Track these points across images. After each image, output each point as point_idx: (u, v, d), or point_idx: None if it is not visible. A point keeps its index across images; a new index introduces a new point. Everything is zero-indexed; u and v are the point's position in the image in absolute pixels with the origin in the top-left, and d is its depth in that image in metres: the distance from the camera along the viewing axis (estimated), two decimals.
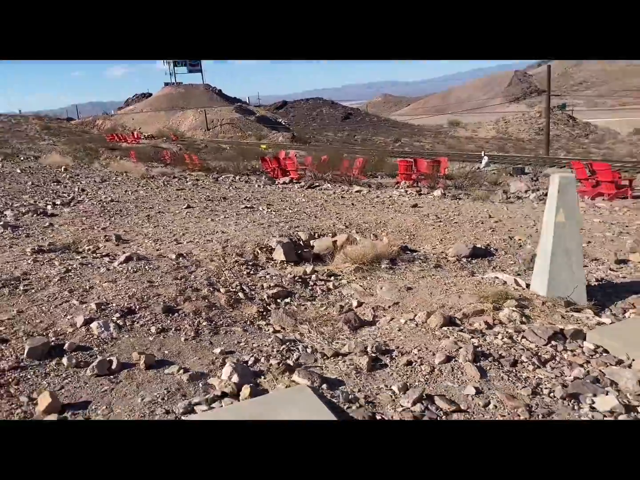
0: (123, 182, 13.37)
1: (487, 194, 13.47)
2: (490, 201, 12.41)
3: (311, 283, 4.95)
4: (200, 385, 2.99)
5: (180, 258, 5.28)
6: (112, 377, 3.07)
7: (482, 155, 29.05)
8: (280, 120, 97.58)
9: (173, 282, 4.51)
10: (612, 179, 13.88)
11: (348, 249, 5.95)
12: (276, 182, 17.00)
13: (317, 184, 16.16)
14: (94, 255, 5.60)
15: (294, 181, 17.80)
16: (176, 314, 3.93)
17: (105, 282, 4.45)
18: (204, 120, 73.82)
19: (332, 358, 3.37)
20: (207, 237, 6.37)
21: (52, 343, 3.38)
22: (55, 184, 12.60)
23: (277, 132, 67.73)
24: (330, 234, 6.79)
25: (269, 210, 8.65)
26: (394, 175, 22.33)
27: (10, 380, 3.00)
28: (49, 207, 8.69)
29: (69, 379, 3.05)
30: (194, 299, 4.20)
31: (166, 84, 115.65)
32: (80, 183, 12.99)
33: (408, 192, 14.05)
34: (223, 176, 17.99)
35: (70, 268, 4.87)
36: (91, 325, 3.63)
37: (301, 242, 6.42)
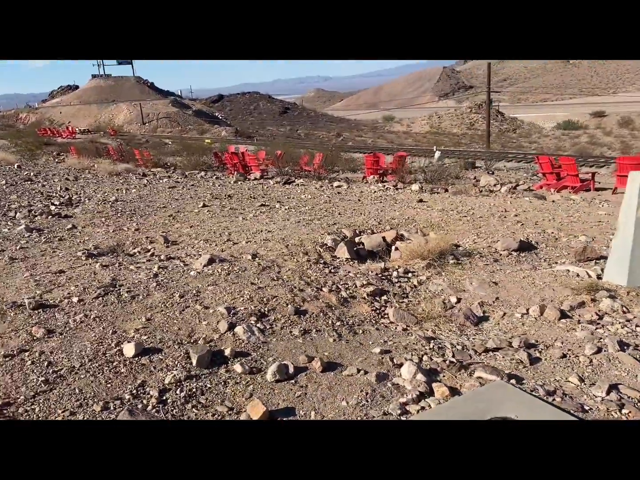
0: (102, 181, 12.79)
1: (465, 188, 13.99)
2: (471, 195, 12.85)
3: (394, 280, 5.02)
4: (390, 385, 3.01)
5: (256, 259, 5.19)
6: (293, 381, 3.03)
7: (434, 149, 30.01)
8: (217, 114, 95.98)
9: (273, 283, 4.44)
10: (576, 172, 14.77)
11: (402, 245, 6.06)
12: (247, 178, 16.79)
13: (292, 179, 16.14)
14: (149, 257, 5.39)
15: (264, 177, 17.69)
16: (307, 315, 3.89)
17: (209, 285, 4.32)
18: (140, 114, 71.35)
19: (484, 354, 3.47)
20: (257, 236, 6.27)
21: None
22: (28, 182, 11.87)
23: (219, 126, 66.57)
24: (369, 231, 6.86)
25: (287, 208, 8.58)
26: (354, 170, 22.68)
27: (194, 390, 2.89)
28: (53, 207, 8.22)
29: (252, 385, 2.98)
30: (308, 299, 4.18)
31: (94, 76, 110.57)
32: (53, 181, 12.31)
33: (386, 187, 14.31)
34: (187, 172, 17.53)
35: (155, 272, 4.67)
36: (235, 330, 3.53)
37: (349, 240, 6.46)
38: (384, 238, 6.41)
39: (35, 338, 3.29)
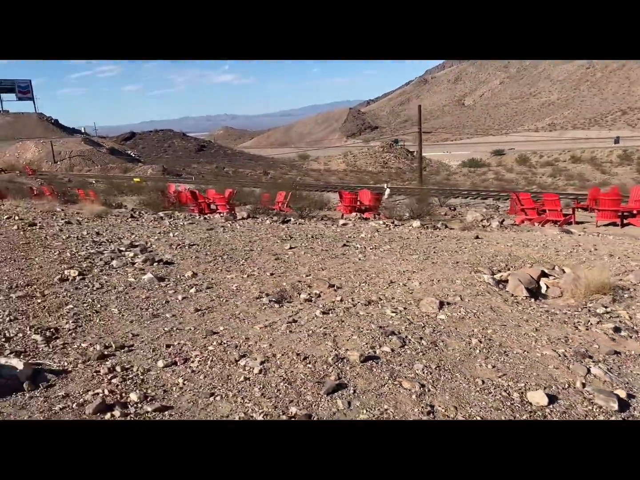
0: (113, 225, 11.63)
1: (468, 224, 14.30)
2: (486, 230, 13.14)
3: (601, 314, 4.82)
4: None
5: (446, 305, 4.79)
6: None
7: (385, 187, 30.74)
8: (129, 152, 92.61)
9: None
10: (559, 207, 15.67)
11: (567, 280, 5.81)
12: (236, 218, 16.13)
13: (288, 218, 15.69)
14: (329, 304, 4.83)
15: (250, 216, 17.12)
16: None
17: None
18: (50, 152, 67.10)
19: None
20: (410, 276, 5.78)
21: None
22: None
23: (144, 164, 64.07)
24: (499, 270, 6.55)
25: (374, 247, 7.98)
26: (320, 207, 22.53)
27: None
28: (128, 253, 7.29)
29: None
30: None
31: None
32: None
33: (386, 224, 14.27)
34: (159, 213, 16.46)
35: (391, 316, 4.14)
36: None
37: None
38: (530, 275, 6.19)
39: None
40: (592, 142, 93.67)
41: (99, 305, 4.84)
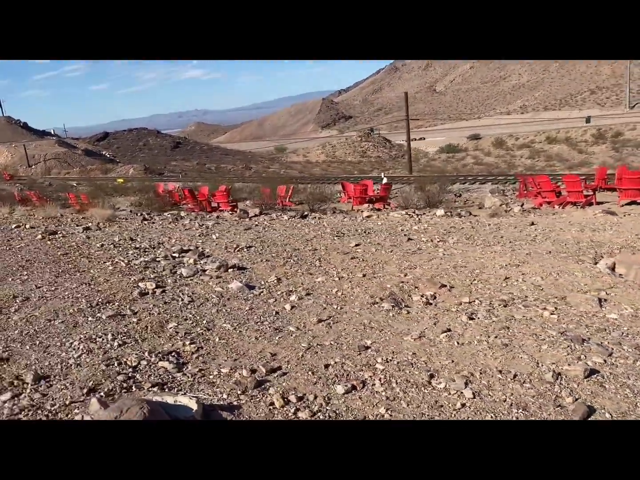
0: (140, 229, 11.03)
1: (496, 211, 14.02)
2: (506, 217, 12.84)
3: None
4: None
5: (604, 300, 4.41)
6: None
7: (382, 176, 30.42)
8: (104, 152, 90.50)
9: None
10: (581, 189, 15.52)
11: None
12: (249, 216, 15.60)
13: (305, 213, 15.21)
14: (455, 306, 4.45)
15: (262, 213, 16.58)
16: None
17: None
18: (24, 156, 65.04)
19: None
20: (530, 273, 5.36)
21: None
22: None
23: (124, 164, 62.50)
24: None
25: (451, 242, 7.49)
26: (322, 200, 22.05)
27: None
28: (187, 260, 6.79)
29: None
30: None
31: None
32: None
33: (409, 214, 13.96)
34: (165, 214, 15.84)
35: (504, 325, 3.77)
36: None
37: None
38: None
39: None
40: (565, 122, 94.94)
41: (204, 322, 4.38)
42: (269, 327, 4.19)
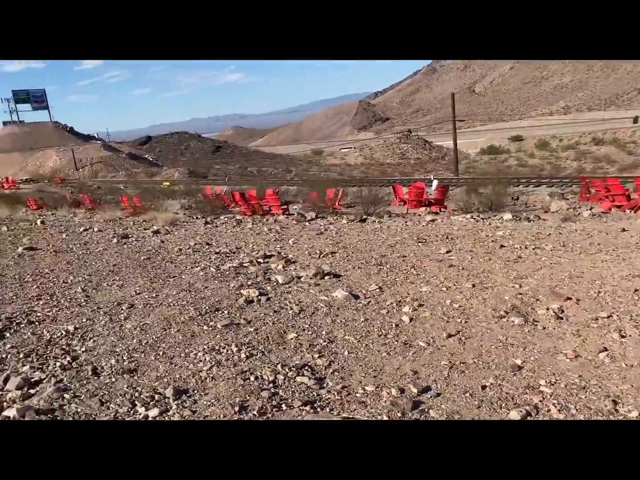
0: (208, 233, 11.03)
1: (568, 215, 13.48)
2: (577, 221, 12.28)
3: None
4: None
5: None
6: None
7: (432, 178, 29.92)
8: (146, 156, 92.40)
9: None
10: None
11: None
12: (306, 220, 15.44)
13: (364, 217, 14.97)
14: (588, 321, 4.14)
15: (318, 217, 16.40)
16: None
17: None
18: (72, 160, 66.94)
19: None
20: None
21: None
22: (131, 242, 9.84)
23: (169, 168, 63.66)
24: None
25: (545, 249, 7.10)
26: (375, 202, 21.72)
27: None
28: (275, 266, 6.66)
29: None
30: None
31: (5, 123, 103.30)
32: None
33: (474, 218, 13.55)
34: (222, 217, 15.83)
35: None
36: None
37: None
38: None
39: None
40: (610, 123, 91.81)
41: (323, 333, 4.22)
42: (395, 340, 3.99)
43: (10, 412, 3.02)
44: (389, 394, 3.15)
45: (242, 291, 5.36)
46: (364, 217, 14.83)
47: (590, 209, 15.11)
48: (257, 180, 46.30)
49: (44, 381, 3.51)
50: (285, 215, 17.40)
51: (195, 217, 16.43)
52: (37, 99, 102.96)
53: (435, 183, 27.32)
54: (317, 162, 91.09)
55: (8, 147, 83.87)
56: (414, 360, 3.62)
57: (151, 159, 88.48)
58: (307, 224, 13.69)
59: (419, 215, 16.28)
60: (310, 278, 5.85)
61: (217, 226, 13.10)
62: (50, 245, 9.01)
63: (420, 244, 7.74)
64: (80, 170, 65.96)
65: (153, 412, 3.02)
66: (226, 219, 15.61)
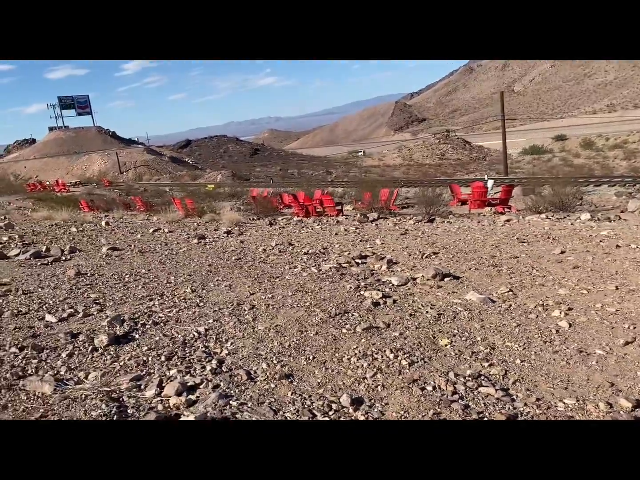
0: (279, 233, 10.88)
1: None
2: None
3: None
4: None
5: None
6: None
7: (486, 178, 29.22)
8: (187, 159, 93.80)
9: None
10: None
11: None
12: (369, 220, 15.11)
13: (432, 217, 14.55)
14: None
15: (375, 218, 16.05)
16: None
17: None
18: (116, 163, 68.42)
19: None
20: None
21: None
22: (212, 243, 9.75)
23: (212, 170, 64.41)
24: None
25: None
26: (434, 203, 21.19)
27: None
28: (378, 266, 6.39)
29: None
30: None
31: (51, 129, 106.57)
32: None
33: (547, 217, 13.00)
34: (291, 219, 15.66)
35: None
36: None
37: None
38: None
39: None
40: None
41: (478, 339, 3.91)
42: (566, 348, 3.64)
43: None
44: (596, 408, 2.81)
45: (363, 293, 5.09)
46: (433, 217, 14.44)
47: None
48: (299, 182, 46.27)
49: (201, 386, 3.30)
50: (344, 217, 17.16)
51: (253, 219, 16.37)
52: (81, 105, 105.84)
53: (490, 183, 26.63)
54: (355, 164, 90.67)
55: (54, 151, 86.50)
56: (602, 370, 3.27)
57: (191, 162, 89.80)
58: (371, 224, 13.43)
59: (484, 215, 15.80)
60: (428, 280, 5.53)
61: (283, 227, 12.95)
62: (133, 246, 8.96)
63: (524, 244, 7.33)
64: (125, 173, 67.31)
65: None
66: (284, 220, 15.48)
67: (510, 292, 4.99)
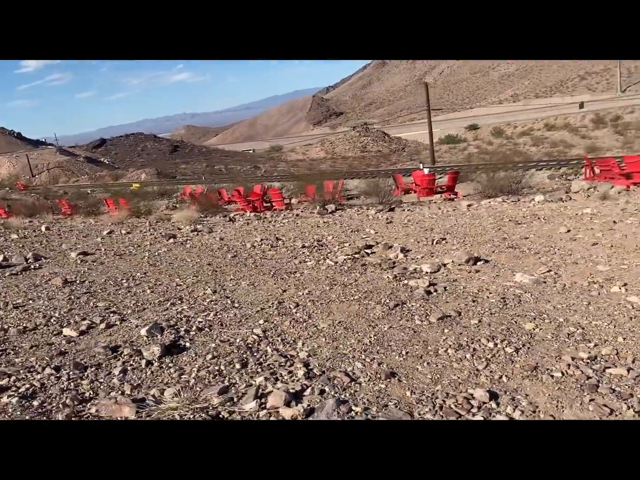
0: (264, 230, 10.40)
1: (604, 195, 13.49)
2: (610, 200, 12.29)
3: None
4: None
5: None
6: None
7: (422, 167, 29.89)
8: (102, 159, 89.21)
9: None
10: None
11: None
12: (328, 212, 14.95)
13: (393, 206, 14.59)
14: None
15: (338, 209, 15.94)
16: None
17: None
18: (26, 166, 63.76)
19: None
20: None
21: None
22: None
23: (127, 169, 61.42)
24: None
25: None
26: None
27: None
28: (395, 255, 6.15)
29: None
30: None
31: None
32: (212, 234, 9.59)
33: (504, 201, 13.42)
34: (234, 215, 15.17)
35: None
36: None
37: None
38: None
39: None
40: (558, 109, 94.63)
41: (561, 320, 3.79)
42: None
43: None
44: None
45: (407, 282, 4.86)
46: (392, 206, 14.44)
47: (611, 188, 15.25)
48: (229, 178, 45.25)
49: (305, 393, 2.95)
50: (300, 210, 16.82)
51: (208, 216, 15.64)
52: None
53: (426, 171, 27.21)
54: (280, 158, 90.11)
55: None
56: None
57: (108, 162, 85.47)
58: (331, 214, 13.26)
59: (435, 202, 16.04)
60: (461, 264, 5.39)
61: (247, 222, 12.46)
62: (103, 250, 8.20)
63: (521, 225, 7.40)
64: (37, 176, 62.89)
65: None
66: (237, 215, 14.94)
67: (551, 272, 4.95)
